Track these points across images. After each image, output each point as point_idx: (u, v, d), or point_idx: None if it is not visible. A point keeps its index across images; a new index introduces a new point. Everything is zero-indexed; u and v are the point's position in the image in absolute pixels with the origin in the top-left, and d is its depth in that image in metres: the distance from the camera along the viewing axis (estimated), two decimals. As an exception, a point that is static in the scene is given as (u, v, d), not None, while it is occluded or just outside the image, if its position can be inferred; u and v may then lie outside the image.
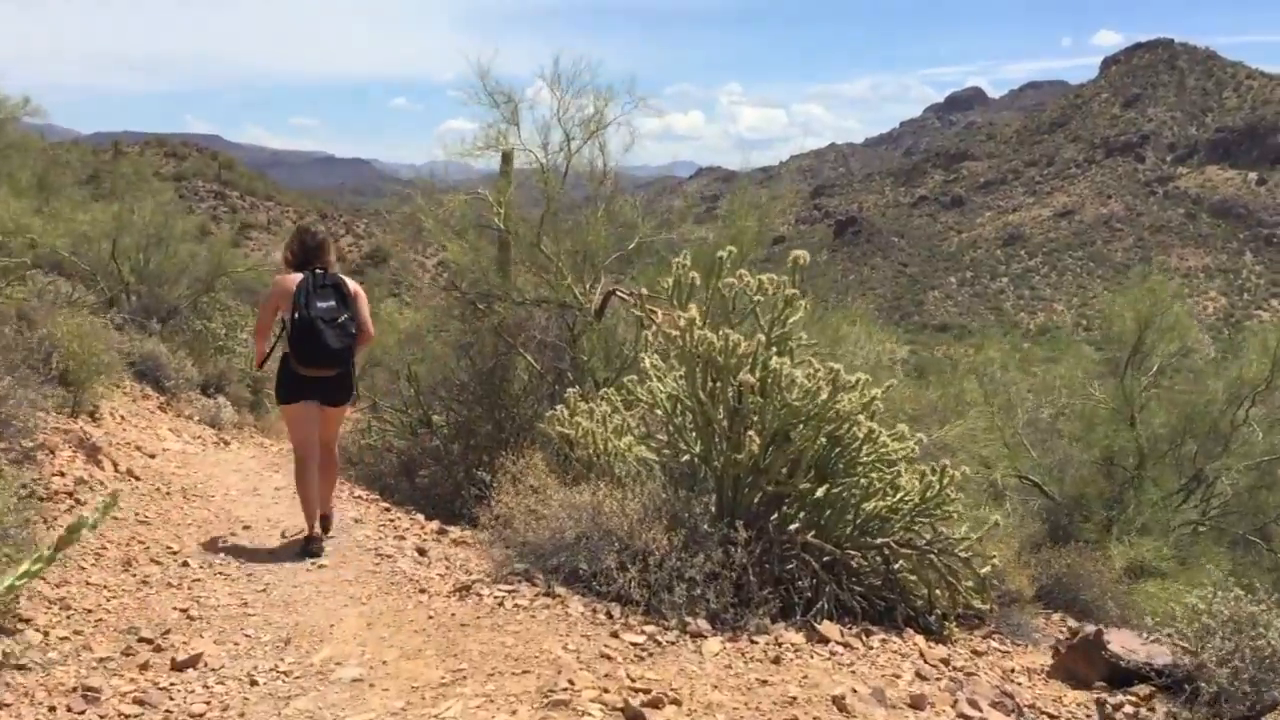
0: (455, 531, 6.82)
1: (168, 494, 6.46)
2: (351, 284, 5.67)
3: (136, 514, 5.75)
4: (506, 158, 10.52)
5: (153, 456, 7.72)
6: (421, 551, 5.83)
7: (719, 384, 4.86)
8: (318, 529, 5.61)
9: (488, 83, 10.29)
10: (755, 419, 4.80)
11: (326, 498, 5.92)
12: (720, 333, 4.79)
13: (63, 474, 5.66)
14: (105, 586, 4.43)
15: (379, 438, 9.27)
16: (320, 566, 5.23)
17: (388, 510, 7.32)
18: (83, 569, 4.56)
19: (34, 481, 5.22)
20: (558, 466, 7.98)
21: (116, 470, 6.33)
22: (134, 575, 4.69)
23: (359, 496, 7.57)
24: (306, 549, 5.50)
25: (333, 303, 5.52)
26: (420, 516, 7.25)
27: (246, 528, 5.95)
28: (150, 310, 14.11)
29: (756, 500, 4.97)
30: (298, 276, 5.55)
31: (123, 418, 9.54)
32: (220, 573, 4.96)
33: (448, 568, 5.51)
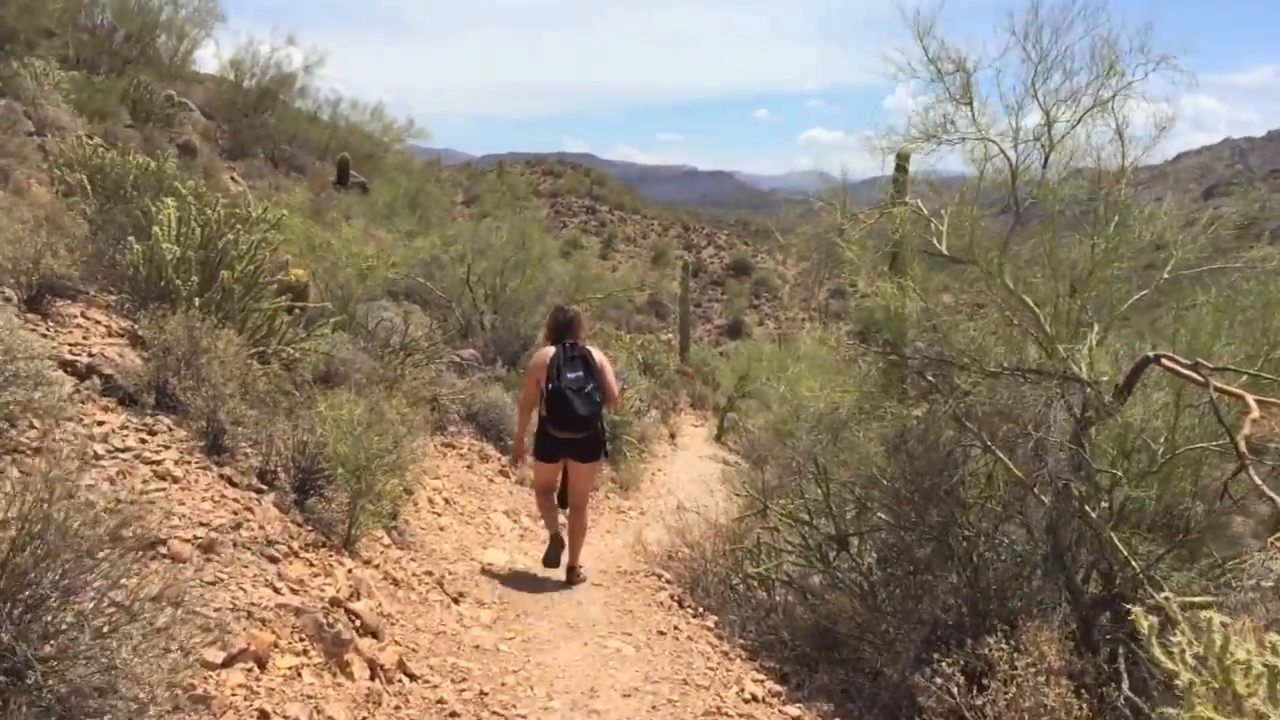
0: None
1: (452, 717, 3.87)
2: (597, 354, 6.19)
3: (379, 800, 3.15)
4: (901, 160, 7.25)
5: (457, 600, 5.28)
6: None
7: None
8: (561, 533, 6.27)
9: (927, 45, 6.97)
10: None
11: (576, 550, 6.31)
12: None
13: (264, 716, 3.17)
14: None
15: (771, 564, 6.31)
16: None
17: (795, 727, 4.35)
18: None
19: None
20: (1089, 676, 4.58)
21: (373, 676, 3.82)
22: None
23: (752, 698, 4.62)
24: (546, 558, 6.20)
25: (580, 373, 6.01)
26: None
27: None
28: (500, 345, 12.34)
29: None
30: (551, 350, 6.08)
31: (446, 503, 7.42)
32: None
33: None
